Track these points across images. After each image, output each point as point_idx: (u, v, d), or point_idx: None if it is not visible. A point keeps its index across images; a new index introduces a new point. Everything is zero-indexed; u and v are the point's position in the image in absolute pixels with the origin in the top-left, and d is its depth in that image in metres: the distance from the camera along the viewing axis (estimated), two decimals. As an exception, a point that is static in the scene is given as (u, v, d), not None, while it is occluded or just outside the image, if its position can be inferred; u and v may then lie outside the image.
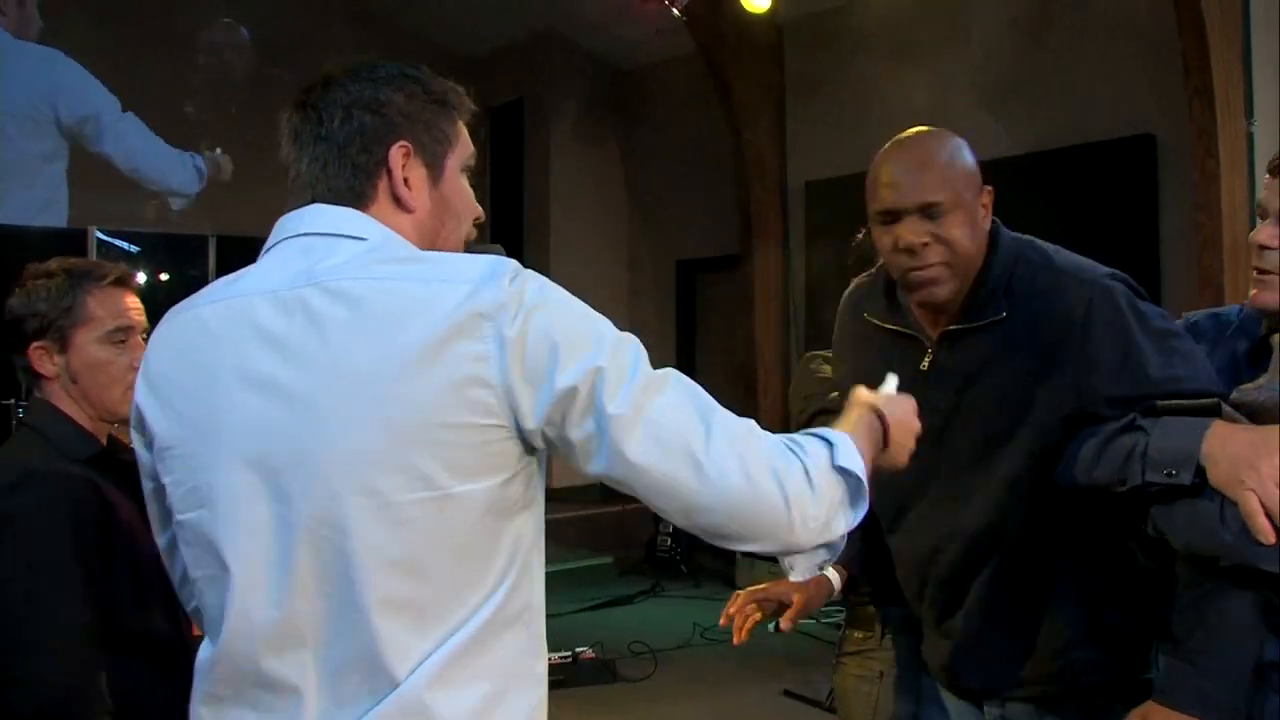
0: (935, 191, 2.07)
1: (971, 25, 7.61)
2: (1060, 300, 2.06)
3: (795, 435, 1.55)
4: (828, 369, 2.80)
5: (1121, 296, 2.05)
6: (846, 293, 2.46)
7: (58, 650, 2.03)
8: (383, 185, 1.50)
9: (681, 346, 10.62)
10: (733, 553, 8.46)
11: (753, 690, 6.08)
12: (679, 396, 1.43)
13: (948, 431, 2.17)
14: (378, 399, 1.33)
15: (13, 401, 7.48)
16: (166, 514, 1.55)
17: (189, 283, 8.30)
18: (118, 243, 8.23)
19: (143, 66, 8.97)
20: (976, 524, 2.18)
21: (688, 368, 10.85)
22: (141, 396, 1.51)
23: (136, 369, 2.30)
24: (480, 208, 1.64)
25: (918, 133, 2.18)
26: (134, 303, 2.35)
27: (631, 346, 1.43)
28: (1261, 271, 1.96)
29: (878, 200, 2.13)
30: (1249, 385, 1.96)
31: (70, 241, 8.12)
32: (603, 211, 10.74)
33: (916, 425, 1.79)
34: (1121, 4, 7.00)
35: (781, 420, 7.82)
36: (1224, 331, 2.11)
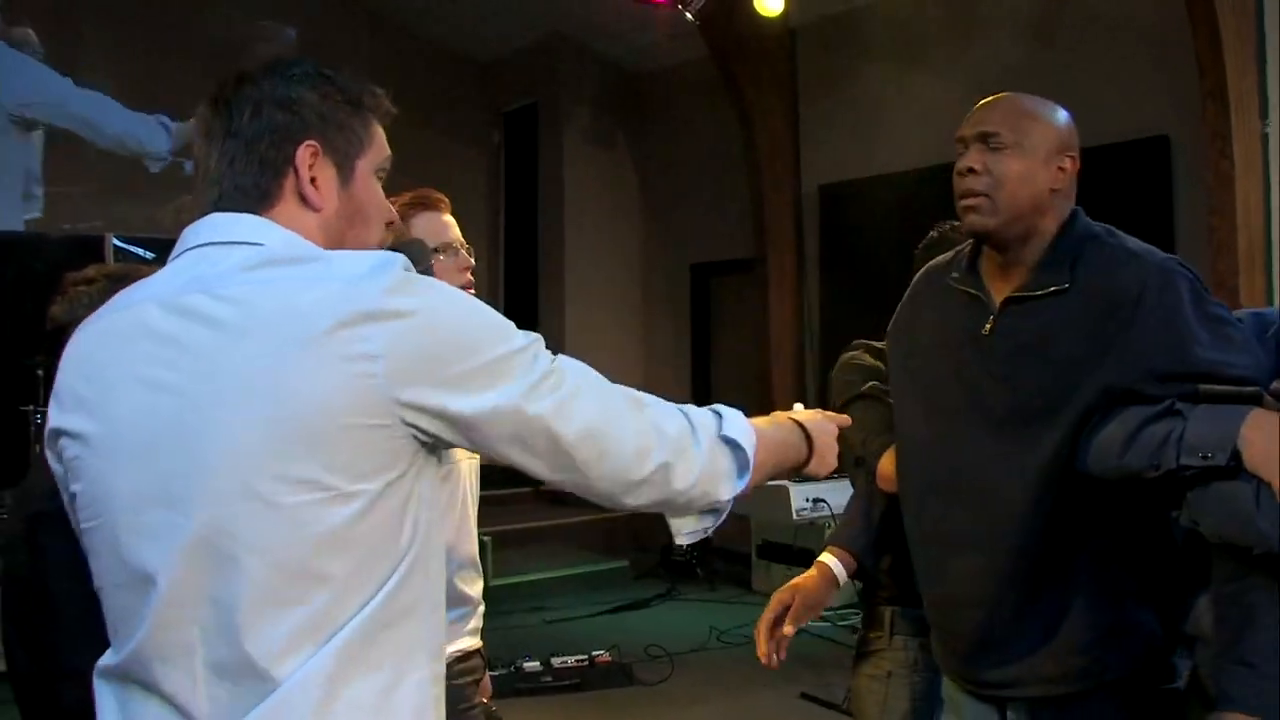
0: (997, 123, 2.19)
1: (983, 27, 7.60)
2: (1119, 276, 2.10)
3: (688, 407, 1.60)
4: (868, 358, 2.82)
5: (1181, 279, 2.08)
6: (924, 268, 2.49)
7: (105, 646, 2.06)
8: (289, 184, 1.49)
9: (696, 350, 10.63)
10: (748, 556, 8.47)
11: (769, 693, 6.07)
12: (586, 393, 1.47)
13: (998, 399, 2.18)
14: (261, 401, 1.32)
15: (31, 408, 7.53)
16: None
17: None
18: (134, 249, 8.26)
19: (155, 73, 9.01)
20: (1010, 502, 2.16)
21: (702, 371, 10.88)
22: (51, 413, 1.51)
23: None
24: (393, 210, 1.63)
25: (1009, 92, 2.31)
26: None
27: (519, 345, 1.44)
28: None
29: (971, 117, 2.26)
30: None
31: (88, 248, 8.18)
32: (616, 215, 10.75)
33: (835, 448, 1.85)
34: (1134, 5, 6.99)
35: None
36: (1265, 330, 2.12)
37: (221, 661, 1.35)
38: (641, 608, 8.09)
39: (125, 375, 1.41)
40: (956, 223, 2.38)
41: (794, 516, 7.35)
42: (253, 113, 1.48)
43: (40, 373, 7.48)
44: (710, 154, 10.08)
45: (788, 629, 2.53)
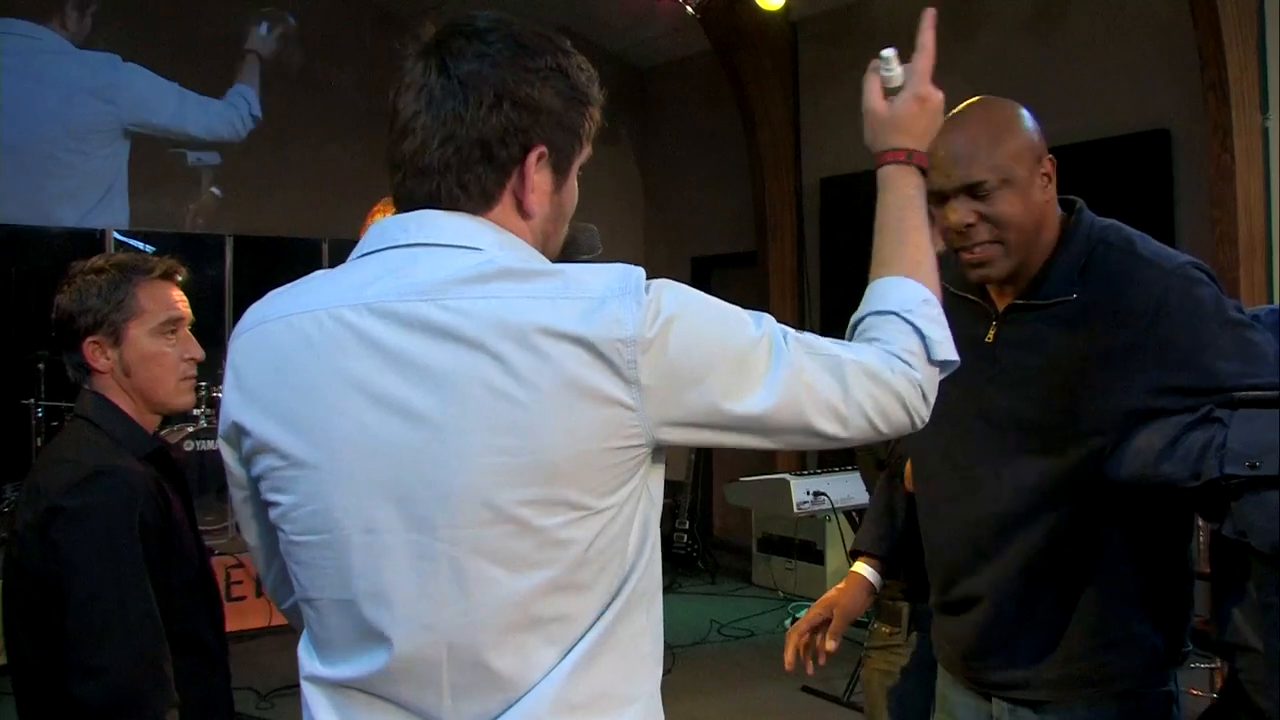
0: (979, 171, 2.05)
1: (985, 20, 7.60)
2: (1135, 286, 2.02)
3: (882, 334, 1.55)
4: None
5: (1199, 286, 2.01)
6: None
7: (128, 643, 2.09)
8: (511, 186, 1.41)
9: (697, 343, 10.58)
10: (749, 549, 8.48)
11: (771, 686, 6.09)
12: (815, 368, 1.43)
13: (1003, 409, 2.15)
14: (510, 432, 1.28)
15: (32, 401, 7.54)
16: (259, 517, 1.52)
17: (206, 283, 8.35)
18: (134, 243, 8.28)
19: (166, 62, 9.02)
20: (1018, 508, 2.14)
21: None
22: (236, 410, 1.43)
23: (187, 360, 2.36)
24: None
25: (968, 106, 2.14)
26: (180, 295, 2.39)
27: (767, 340, 1.40)
28: None
29: (929, 181, 2.09)
30: None
31: (88, 242, 8.19)
32: (618, 208, 10.74)
33: (936, 99, 1.82)
34: (1136, -1, 6.98)
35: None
36: None
37: (468, 676, 1.34)
38: (642, 601, 8.08)
39: (345, 386, 1.34)
40: None
41: (795, 510, 7.34)
42: (491, 105, 1.38)
43: (41, 366, 7.50)
44: (711, 147, 10.09)
45: (830, 645, 2.52)
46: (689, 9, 7.84)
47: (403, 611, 1.34)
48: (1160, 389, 1.99)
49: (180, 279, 2.41)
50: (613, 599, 1.36)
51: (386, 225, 1.42)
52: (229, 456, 1.49)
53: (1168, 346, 1.98)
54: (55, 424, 7.71)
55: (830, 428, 1.42)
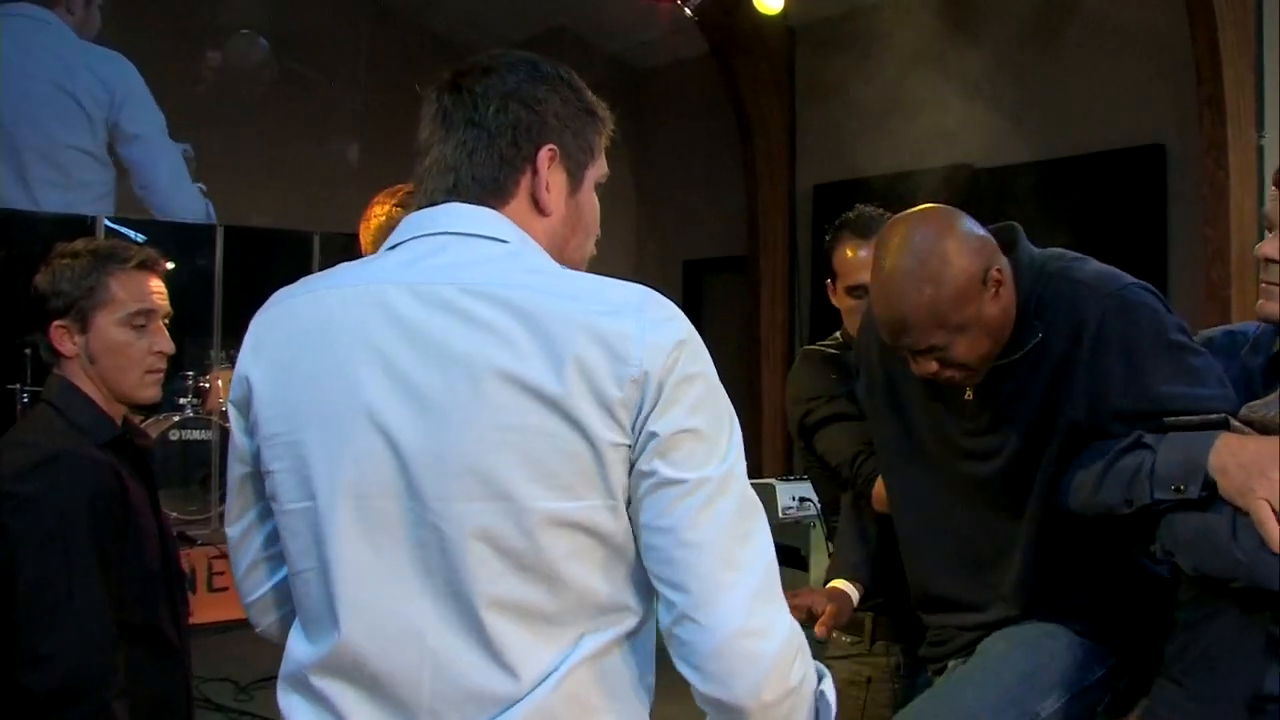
0: (923, 341, 2.02)
1: (982, 32, 7.60)
2: (1076, 313, 2.02)
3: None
4: (821, 371, 2.80)
5: (1139, 309, 2.01)
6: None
7: (76, 631, 2.07)
8: (525, 183, 1.46)
9: (686, 346, 10.57)
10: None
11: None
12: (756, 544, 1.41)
13: (989, 458, 2.15)
14: (518, 408, 1.29)
15: (18, 386, 7.51)
16: (253, 501, 1.52)
17: (196, 272, 8.32)
18: (125, 231, 8.24)
19: (161, 52, 8.99)
20: (999, 547, 2.16)
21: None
22: (254, 375, 1.44)
23: (155, 353, 2.33)
24: (599, 227, 1.62)
25: (894, 264, 2.02)
26: (158, 286, 2.37)
27: (737, 458, 1.40)
28: (1268, 284, 1.94)
29: (880, 329, 2.10)
30: (1258, 402, 1.91)
31: (79, 228, 8.14)
32: (610, 210, 10.41)
33: None
34: (1134, 13, 6.98)
35: (782, 419, 7.82)
36: (1239, 348, 2.07)
37: (461, 662, 1.33)
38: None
39: (365, 357, 1.36)
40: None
41: (780, 515, 7.33)
42: (499, 107, 1.44)
43: (28, 352, 7.47)
44: (705, 151, 10.07)
45: (820, 631, 2.49)
46: (687, 11, 7.83)
47: (384, 584, 1.34)
48: (1104, 413, 1.99)
49: (159, 270, 2.38)
50: (609, 592, 1.36)
51: (414, 218, 1.46)
52: (236, 424, 1.50)
53: (1105, 372, 1.99)
54: (40, 410, 7.68)
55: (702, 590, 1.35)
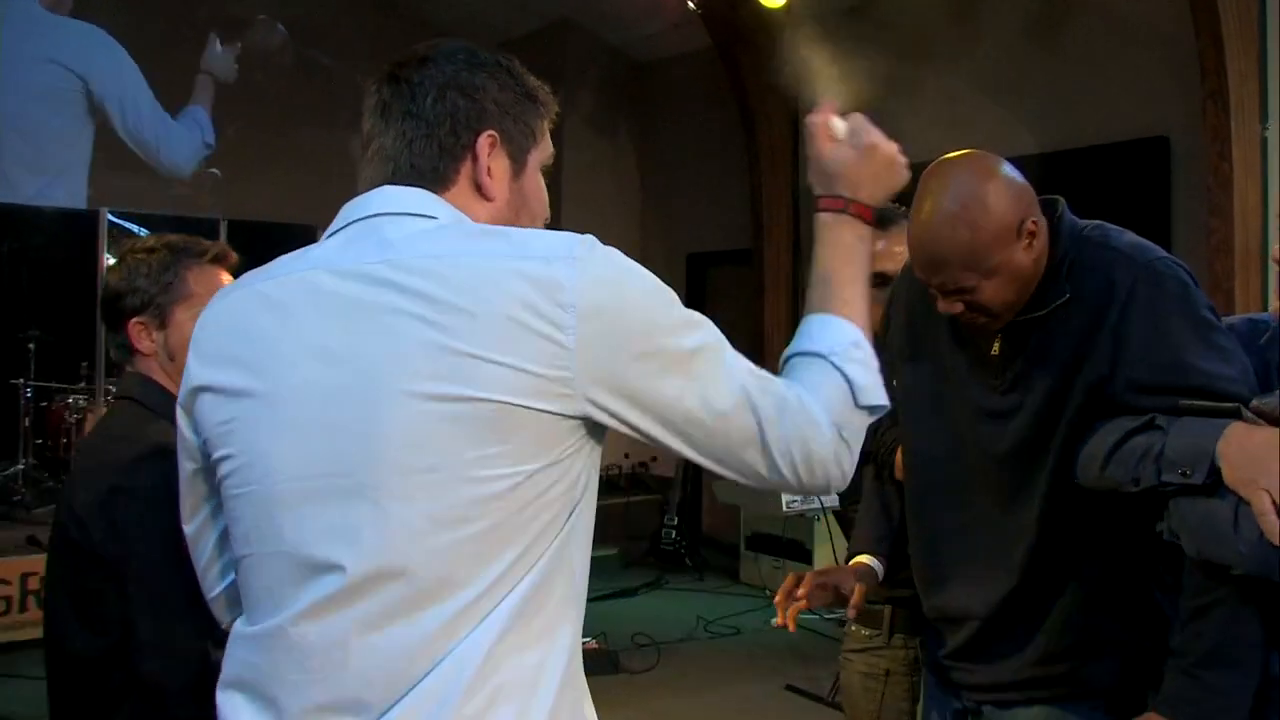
0: (954, 280, 2.04)
1: (986, 24, 7.59)
2: (1106, 278, 2.02)
3: (807, 378, 1.53)
4: None
5: (1170, 280, 2.01)
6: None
7: (194, 621, 2.05)
8: (465, 170, 1.48)
9: (690, 340, 10.57)
10: (737, 547, 8.48)
11: (756, 684, 6.09)
12: (731, 388, 1.44)
13: (1009, 418, 2.14)
14: (449, 373, 1.30)
15: (21, 381, 7.52)
16: (205, 497, 1.55)
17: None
18: (128, 224, 8.24)
19: (165, 40, 8.99)
20: (1014, 517, 2.14)
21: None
22: (195, 372, 1.47)
23: None
24: (549, 210, 1.63)
25: (933, 189, 2.08)
26: (229, 280, 2.35)
27: (715, 346, 1.45)
28: None
29: (914, 267, 2.13)
30: (1271, 395, 1.90)
31: (82, 222, 8.16)
32: (614, 203, 10.73)
33: (885, 149, 1.80)
34: (1138, 5, 6.97)
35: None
36: (1258, 338, 2.08)
37: (386, 635, 1.33)
38: (630, 596, 8.09)
39: (296, 340, 1.38)
40: None
41: (784, 509, 7.35)
42: (436, 96, 1.47)
43: (31, 346, 7.48)
44: (710, 144, 10.07)
45: (851, 612, 2.50)
46: (690, 4, 7.83)
47: (330, 565, 1.34)
48: (1124, 382, 1.99)
49: (230, 263, 2.37)
50: (527, 574, 1.36)
51: (349, 205, 1.48)
52: (184, 423, 1.52)
53: (1130, 339, 1.99)
54: (44, 404, 7.69)
55: (755, 460, 1.43)
